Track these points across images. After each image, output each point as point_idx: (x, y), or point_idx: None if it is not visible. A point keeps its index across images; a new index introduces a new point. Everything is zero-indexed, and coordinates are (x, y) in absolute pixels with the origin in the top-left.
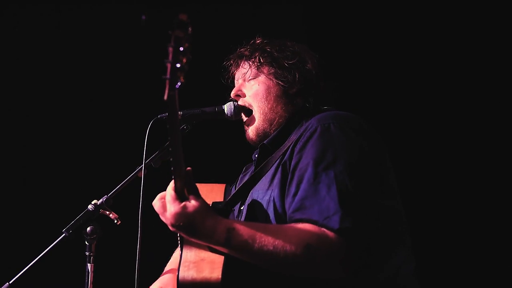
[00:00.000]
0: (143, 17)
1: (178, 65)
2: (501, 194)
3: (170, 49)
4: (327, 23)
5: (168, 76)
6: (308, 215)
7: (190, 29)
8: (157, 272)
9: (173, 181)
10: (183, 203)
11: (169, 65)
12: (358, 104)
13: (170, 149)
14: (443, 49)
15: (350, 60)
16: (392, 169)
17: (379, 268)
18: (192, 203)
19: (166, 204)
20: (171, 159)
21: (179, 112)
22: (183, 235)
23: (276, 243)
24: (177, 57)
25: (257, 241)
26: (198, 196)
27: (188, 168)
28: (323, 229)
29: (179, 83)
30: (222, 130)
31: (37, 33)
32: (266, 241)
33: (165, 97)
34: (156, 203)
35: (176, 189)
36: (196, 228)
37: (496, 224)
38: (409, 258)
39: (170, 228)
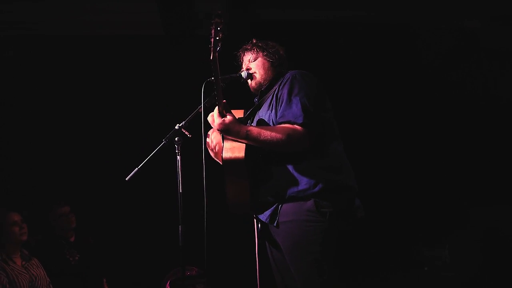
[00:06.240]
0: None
1: (217, 38)
2: None
3: (213, 29)
4: None
5: (212, 45)
6: (286, 119)
7: (222, 19)
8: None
9: (217, 106)
10: (223, 118)
11: (212, 39)
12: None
13: (214, 87)
14: None
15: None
16: (328, 98)
17: (328, 145)
18: (228, 118)
19: (214, 118)
20: (215, 93)
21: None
22: (223, 134)
23: (272, 134)
24: (216, 33)
25: (262, 134)
26: (231, 114)
27: (224, 100)
28: (295, 125)
29: (218, 48)
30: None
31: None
32: (267, 134)
33: (211, 58)
34: (209, 118)
35: (219, 110)
36: (230, 130)
37: None
38: (341, 143)
39: (217, 131)
